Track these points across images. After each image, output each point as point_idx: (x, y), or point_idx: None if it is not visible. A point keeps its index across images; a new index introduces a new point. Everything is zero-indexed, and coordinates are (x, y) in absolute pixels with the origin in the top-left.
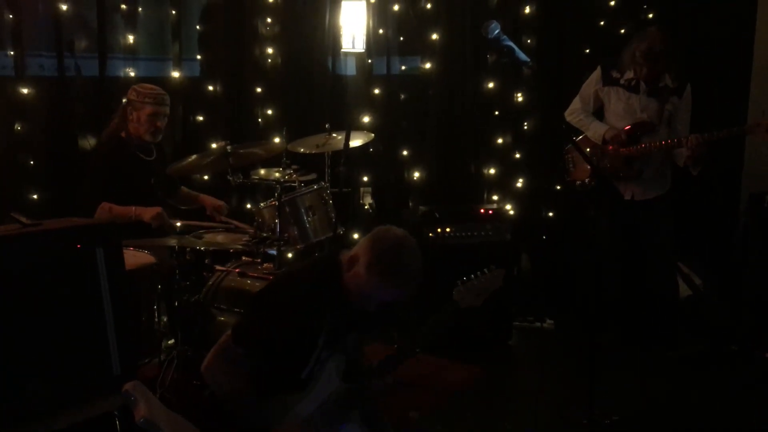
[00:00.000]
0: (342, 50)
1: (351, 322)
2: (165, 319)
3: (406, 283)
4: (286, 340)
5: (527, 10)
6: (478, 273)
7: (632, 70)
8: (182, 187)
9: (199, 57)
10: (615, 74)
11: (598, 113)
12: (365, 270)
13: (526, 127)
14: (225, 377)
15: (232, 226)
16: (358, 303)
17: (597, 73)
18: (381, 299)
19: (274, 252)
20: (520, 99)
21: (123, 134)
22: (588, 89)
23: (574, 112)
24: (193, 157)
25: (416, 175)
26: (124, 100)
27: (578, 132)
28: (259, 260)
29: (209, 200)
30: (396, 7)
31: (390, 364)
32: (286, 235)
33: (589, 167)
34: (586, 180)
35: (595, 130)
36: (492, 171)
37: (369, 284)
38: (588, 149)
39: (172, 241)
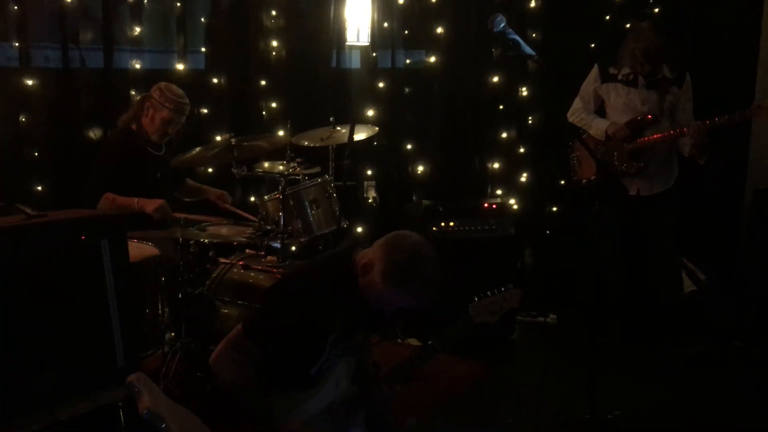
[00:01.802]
0: (346, 43)
1: (362, 321)
2: (168, 312)
3: (424, 292)
4: (297, 336)
5: (533, 3)
6: (495, 290)
7: (631, 66)
8: (187, 179)
9: (203, 49)
10: (612, 71)
11: (600, 112)
12: (381, 278)
13: (530, 122)
14: (232, 370)
15: (237, 215)
16: (375, 306)
17: (594, 72)
18: (398, 306)
19: (277, 245)
20: (524, 93)
21: (133, 126)
22: (587, 88)
23: (576, 112)
24: (198, 149)
25: (420, 168)
26: (133, 92)
27: (582, 132)
28: (262, 253)
29: (213, 191)
30: (401, 0)
31: (400, 372)
32: (289, 228)
33: (594, 165)
34: (592, 177)
35: (597, 127)
36: (496, 165)
37: (385, 293)
38: (592, 146)
39: (176, 234)
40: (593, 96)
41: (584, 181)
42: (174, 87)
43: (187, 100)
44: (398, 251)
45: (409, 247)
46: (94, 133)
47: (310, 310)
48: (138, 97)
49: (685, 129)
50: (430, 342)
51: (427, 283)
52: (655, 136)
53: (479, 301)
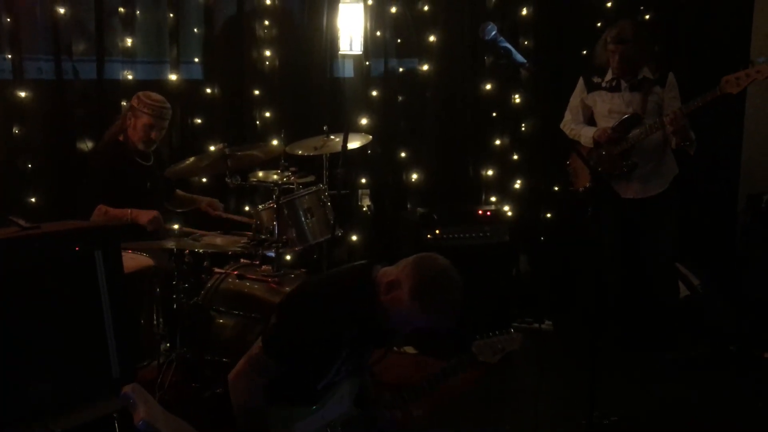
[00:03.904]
0: (339, 52)
1: (374, 338)
2: (163, 322)
3: (449, 314)
4: (314, 349)
5: (524, 11)
6: (497, 331)
7: (609, 69)
8: (177, 190)
9: (197, 60)
10: (596, 80)
11: (593, 122)
12: (409, 297)
13: (523, 129)
14: (249, 391)
15: (229, 220)
16: (393, 325)
17: (580, 84)
18: (419, 326)
19: (272, 254)
20: (517, 100)
21: (121, 138)
22: (575, 101)
23: (566, 124)
24: (192, 159)
25: (414, 176)
26: (124, 104)
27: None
28: (257, 262)
29: (203, 199)
30: (393, 9)
31: (403, 398)
32: (284, 237)
33: (589, 173)
34: (587, 185)
35: (586, 135)
36: (490, 172)
37: (410, 312)
38: (585, 154)
39: (171, 244)
40: (581, 107)
41: (581, 189)
42: (152, 93)
43: (167, 105)
44: (428, 272)
45: (439, 269)
46: (86, 145)
47: (329, 323)
48: (125, 107)
49: (664, 119)
50: (435, 374)
51: (452, 306)
52: (639, 132)
53: (482, 340)
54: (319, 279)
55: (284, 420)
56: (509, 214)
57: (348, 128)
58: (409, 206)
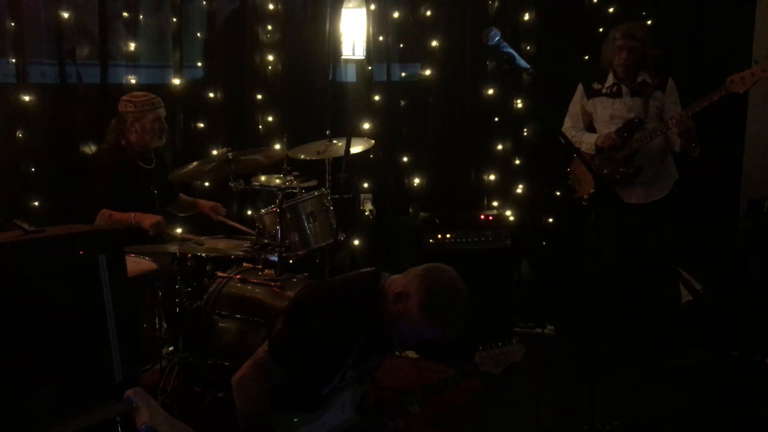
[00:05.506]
0: (342, 57)
1: (380, 346)
2: (166, 326)
3: (456, 328)
4: (321, 356)
5: (527, 17)
6: (500, 342)
7: (610, 74)
8: (180, 194)
9: (200, 64)
10: (596, 86)
11: (592, 128)
12: (418, 309)
13: (525, 134)
14: (253, 395)
15: (230, 227)
16: (399, 335)
17: (579, 90)
18: (426, 338)
19: (275, 258)
20: (519, 105)
21: (123, 142)
22: (574, 107)
23: (566, 131)
24: (195, 163)
25: (416, 181)
26: (119, 113)
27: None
28: (260, 266)
29: (205, 203)
30: (396, 15)
31: (404, 408)
32: (287, 241)
33: (592, 179)
34: (591, 191)
35: (588, 141)
36: (492, 177)
37: (419, 324)
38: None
39: (173, 248)
40: (581, 113)
41: (585, 196)
42: (136, 93)
43: (154, 94)
44: (437, 285)
45: (448, 282)
46: (90, 148)
47: (336, 331)
48: (113, 120)
49: (668, 122)
50: (437, 384)
51: (460, 318)
52: (643, 136)
53: (484, 351)
54: (326, 285)
55: (288, 425)
56: (511, 218)
57: (350, 133)
58: (411, 211)
